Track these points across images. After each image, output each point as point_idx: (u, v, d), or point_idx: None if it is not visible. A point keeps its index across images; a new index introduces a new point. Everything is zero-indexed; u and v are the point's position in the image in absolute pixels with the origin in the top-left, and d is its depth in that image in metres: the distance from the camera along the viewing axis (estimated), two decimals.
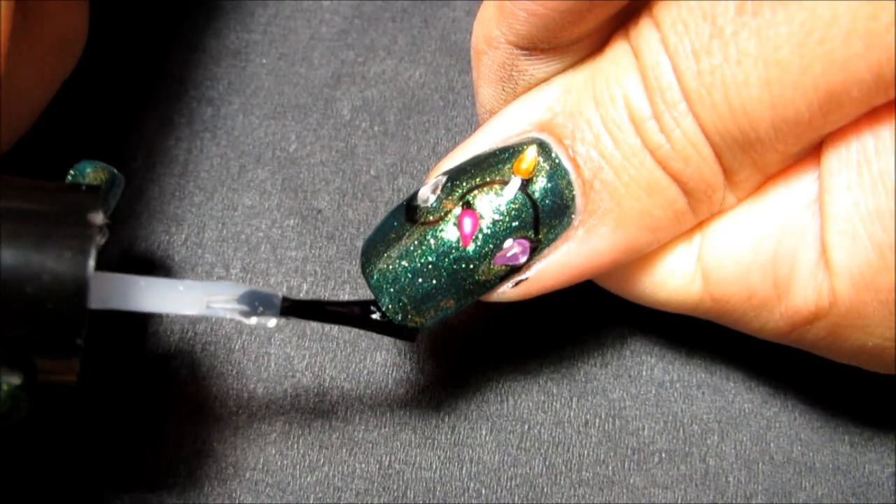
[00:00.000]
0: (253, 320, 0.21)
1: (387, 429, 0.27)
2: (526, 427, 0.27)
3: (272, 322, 0.22)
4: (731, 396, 0.27)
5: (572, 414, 0.27)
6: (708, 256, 0.22)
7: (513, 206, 0.22)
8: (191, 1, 0.32)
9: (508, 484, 0.26)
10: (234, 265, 0.28)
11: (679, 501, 0.26)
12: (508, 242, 0.22)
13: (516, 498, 0.26)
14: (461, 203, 0.22)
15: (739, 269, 0.22)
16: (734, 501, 0.26)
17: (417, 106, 0.30)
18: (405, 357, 0.27)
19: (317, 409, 0.27)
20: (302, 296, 0.28)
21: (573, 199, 0.22)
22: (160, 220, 0.29)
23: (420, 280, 0.22)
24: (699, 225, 0.23)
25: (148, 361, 0.27)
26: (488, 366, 0.27)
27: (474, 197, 0.22)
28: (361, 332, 0.28)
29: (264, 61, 0.31)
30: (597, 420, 0.27)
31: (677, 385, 0.27)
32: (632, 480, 0.26)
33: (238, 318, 0.21)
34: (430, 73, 0.31)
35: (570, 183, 0.22)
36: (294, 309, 0.22)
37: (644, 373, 0.27)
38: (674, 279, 0.23)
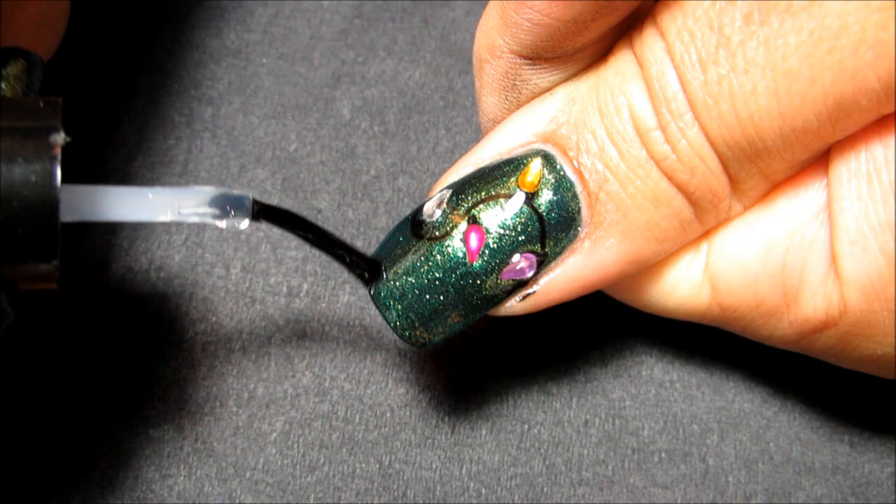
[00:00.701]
0: (224, 223, 0.21)
1: (387, 429, 0.27)
2: (526, 427, 0.27)
3: (244, 224, 0.21)
4: (731, 396, 0.27)
5: (572, 414, 0.27)
6: (715, 265, 0.22)
7: (519, 219, 0.22)
8: (191, 1, 0.32)
9: (508, 484, 0.26)
10: (234, 265, 0.28)
11: (679, 501, 0.26)
12: (515, 257, 0.22)
13: (516, 498, 0.26)
14: (467, 218, 0.22)
15: (747, 278, 0.22)
16: (734, 501, 0.26)
17: (417, 106, 0.30)
18: (405, 357, 0.27)
19: (317, 409, 0.27)
20: (302, 296, 0.28)
21: (579, 211, 0.22)
22: None
23: (427, 296, 0.22)
24: (706, 233, 0.23)
25: (148, 362, 0.27)
26: (488, 365, 0.27)
27: (480, 211, 0.22)
28: (361, 332, 0.28)
29: (264, 61, 0.31)
30: (597, 420, 0.27)
31: (677, 385, 0.27)
32: (632, 480, 0.26)
33: (209, 221, 0.21)
34: (430, 73, 0.31)
35: (575, 195, 0.22)
36: (265, 212, 0.22)
37: (644, 373, 0.27)
38: (681, 288, 0.23)
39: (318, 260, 0.28)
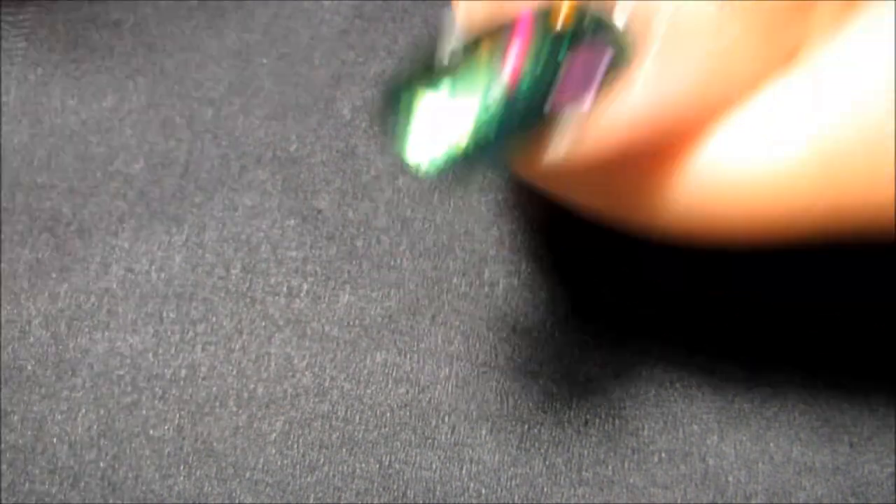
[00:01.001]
0: None
1: (387, 429, 0.27)
2: (526, 427, 0.27)
3: None
4: (731, 396, 0.27)
5: (572, 414, 0.27)
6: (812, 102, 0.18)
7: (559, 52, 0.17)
8: (191, 2, 0.32)
9: (508, 484, 0.26)
10: (234, 265, 0.28)
11: (679, 501, 0.26)
12: (560, 86, 0.17)
13: (516, 498, 0.26)
14: (502, 41, 0.17)
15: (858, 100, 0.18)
16: (734, 501, 0.26)
17: None
18: (405, 357, 0.28)
19: (317, 409, 0.27)
20: (302, 296, 0.28)
21: (630, 42, 0.18)
22: (161, 221, 0.29)
23: (460, 128, 0.17)
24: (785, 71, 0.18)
25: (148, 362, 0.27)
26: (488, 365, 0.27)
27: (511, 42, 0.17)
28: (361, 332, 0.28)
29: (265, 61, 0.31)
30: (597, 420, 0.27)
31: (677, 385, 0.27)
32: (632, 480, 0.26)
33: None
34: None
35: (625, 24, 0.18)
36: None
37: (644, 373, 0.27)
38: (776, 150, 0.18)
39: (319, 260, 0.28)
